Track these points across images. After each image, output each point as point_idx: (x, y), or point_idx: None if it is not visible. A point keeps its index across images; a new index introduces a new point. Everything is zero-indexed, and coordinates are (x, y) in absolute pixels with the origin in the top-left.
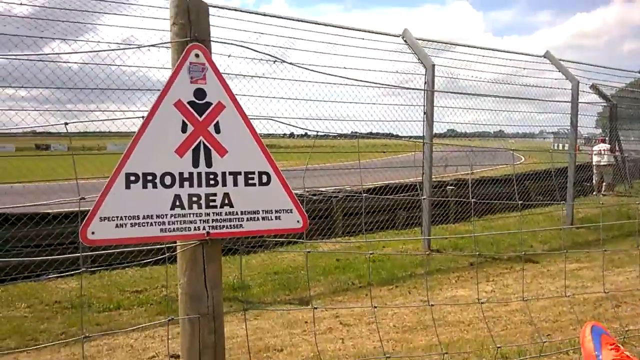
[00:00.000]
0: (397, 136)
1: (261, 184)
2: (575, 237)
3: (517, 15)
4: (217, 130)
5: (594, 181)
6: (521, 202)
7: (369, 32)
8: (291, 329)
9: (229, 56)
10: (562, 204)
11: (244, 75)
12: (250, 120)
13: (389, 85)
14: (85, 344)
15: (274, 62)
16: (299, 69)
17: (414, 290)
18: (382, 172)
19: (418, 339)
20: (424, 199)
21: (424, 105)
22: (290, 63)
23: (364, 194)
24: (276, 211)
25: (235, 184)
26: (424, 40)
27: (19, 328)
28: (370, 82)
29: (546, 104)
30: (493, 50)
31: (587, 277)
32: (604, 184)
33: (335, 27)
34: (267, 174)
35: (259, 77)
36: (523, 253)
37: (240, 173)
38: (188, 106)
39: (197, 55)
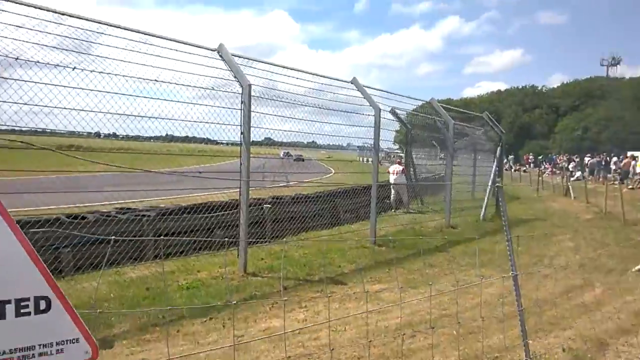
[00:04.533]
0: (214, 141)
1: (38, 311)
2: (377, 256)
3: (331, 31)
4: None
5: (391, 199)
6: (329, 234)
7: (184, 43)
8: None
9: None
10: (366, 221)
11: (45, 64)
12: (10, 215)
13: (206, 104)
14: None
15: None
16: (106, 62)
17: (229, 322)
18: (199, 181)
19: None
20: (240, 240)
21: (240, 125)
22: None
23: (180, 214)
24: (58, 343)
25: (2, 316)
26: (240, 57)
27: None
28: (186, 85)
29: (353, 118)
30: (307, 73)
31: (388, 300)
32: (401, 200)
33: (148, 35)
34: (46, 298)
35: (63, 66)
36: (325, 288)
37: (9, 301)
38: None
39: None
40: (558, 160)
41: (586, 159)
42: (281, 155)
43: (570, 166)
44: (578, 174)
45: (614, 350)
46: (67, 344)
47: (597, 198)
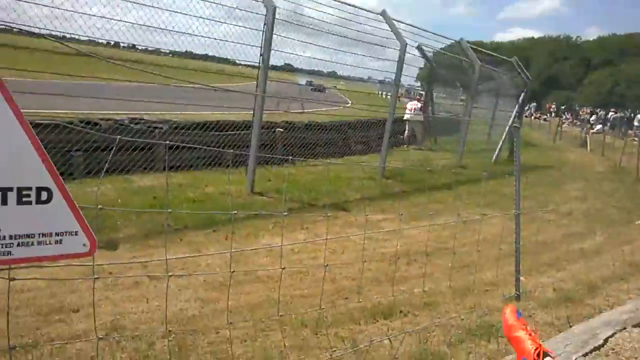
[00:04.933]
0: (233, 62)
1: (39, 202)
2: (384, 188)
3: None
4: None
5: (405, 135)
6: (340, 162)
7: None
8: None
9: None
10: (377, 154)
11: None
12: (23, 113)
13: (228, 22)
14: None
15: None
16: None
17: (232, 235)
18: (213, 99)
19: (226, 298)
20: (250, 155)
21: (261, 47)
22: None
23: (192, 130)
24: (57, 234)
25: (4, 202)
26: None
27: None
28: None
29: (377, 51)
30: (336, 0)
31: (388, 229)
32: (415, 137)
33: None
34: (48, 189)
35: None
36: (327, 212)
37: (11, 189)
38: None
39: None
40: (581, 112)
41: (610, 114)
42: (302, 83)
43: (592, 119)
44: (598, 126)
45: (603, 294)
46: (65, 235)
47: (614, 152)
